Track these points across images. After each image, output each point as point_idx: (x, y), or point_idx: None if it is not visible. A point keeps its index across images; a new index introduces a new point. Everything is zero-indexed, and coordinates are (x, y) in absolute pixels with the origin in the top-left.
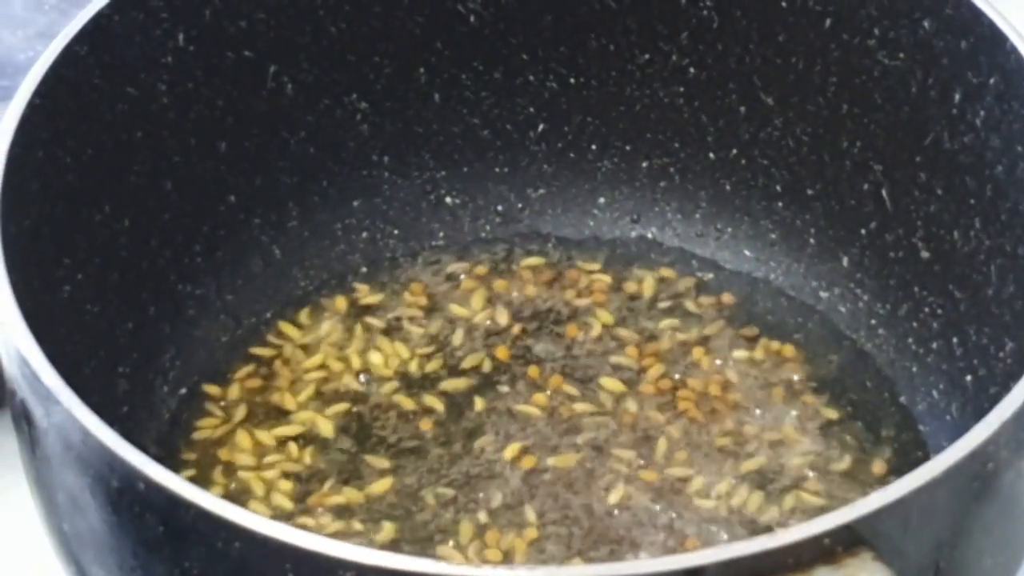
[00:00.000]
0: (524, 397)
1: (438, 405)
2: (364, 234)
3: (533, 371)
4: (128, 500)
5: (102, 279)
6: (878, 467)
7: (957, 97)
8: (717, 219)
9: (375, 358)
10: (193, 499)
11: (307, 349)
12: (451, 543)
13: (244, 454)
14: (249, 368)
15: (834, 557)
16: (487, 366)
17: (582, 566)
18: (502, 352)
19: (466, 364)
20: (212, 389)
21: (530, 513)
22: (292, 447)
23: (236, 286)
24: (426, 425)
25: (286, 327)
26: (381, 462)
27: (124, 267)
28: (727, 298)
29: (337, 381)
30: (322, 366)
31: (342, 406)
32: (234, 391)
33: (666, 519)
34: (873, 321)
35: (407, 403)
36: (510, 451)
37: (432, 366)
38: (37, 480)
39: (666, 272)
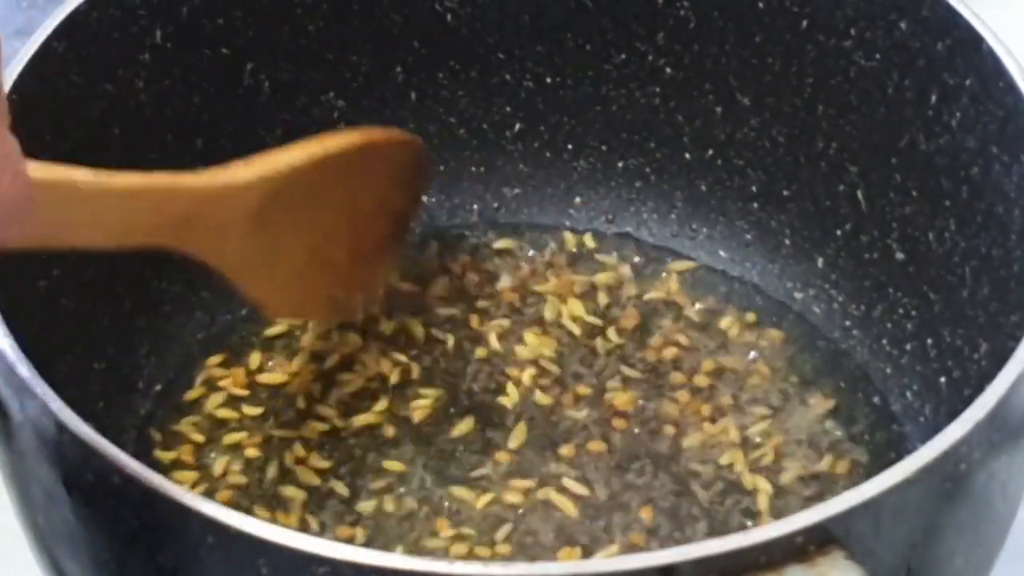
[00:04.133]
0: (496, 394)
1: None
2: None
3: (511, 372)
4: (103, 494)
5: (78, 274)
6: (851, 467)
7: (933, 98)
8: (692, 219)
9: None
10: (168, 493)
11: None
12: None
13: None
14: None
15: (806, 556)
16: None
17: (552, 562)
18: (480, 352)
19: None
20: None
21: None
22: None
23: (212, 282)
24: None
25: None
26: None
27: (100, 262)
28: (701, 298)
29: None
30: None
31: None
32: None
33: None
34: (848, 322)
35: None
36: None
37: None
38: (12, 474)
39: (640, 271)
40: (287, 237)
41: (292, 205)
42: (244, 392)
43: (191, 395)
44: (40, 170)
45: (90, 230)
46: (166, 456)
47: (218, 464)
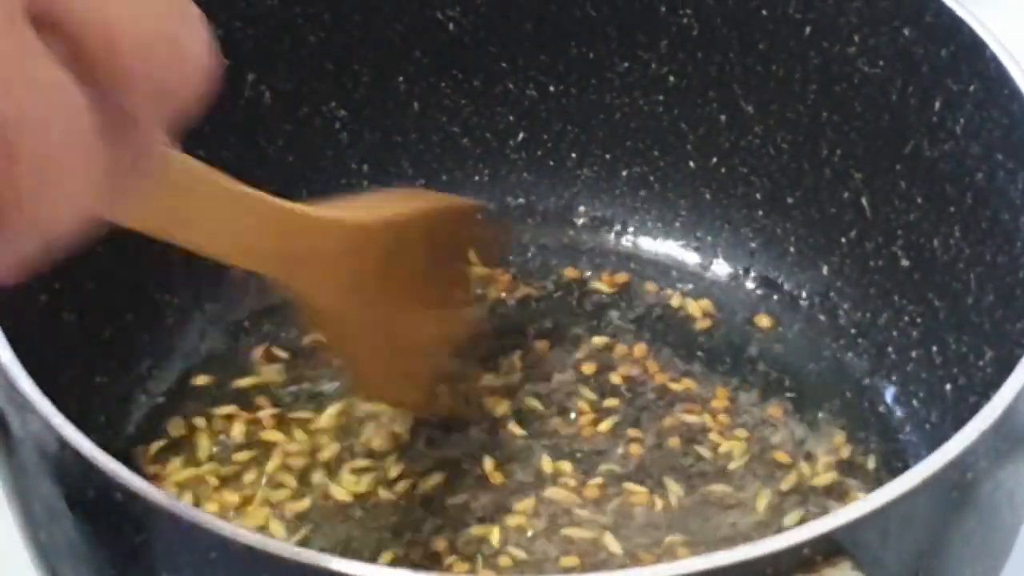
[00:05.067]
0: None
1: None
2: None
3: (507, 380)
4: (105, 510)
5: (79, 288)
6: (857, 476)
7: (937, 105)
8: (697, 227)
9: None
10: (170, 508)
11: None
12: None
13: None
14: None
15: (813, 567)
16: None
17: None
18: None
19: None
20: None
21: None
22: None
23: (215, 295)
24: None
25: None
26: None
27: (101, 275)
28: (706, 306)
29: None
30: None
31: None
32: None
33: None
34: (853, 329)
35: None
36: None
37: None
38: (13, 489)
39: (645, 280)
40: (378, 298)
41: (388, 259)
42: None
43: (194, 410)
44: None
45: (203, 232)
46: (169, 471)
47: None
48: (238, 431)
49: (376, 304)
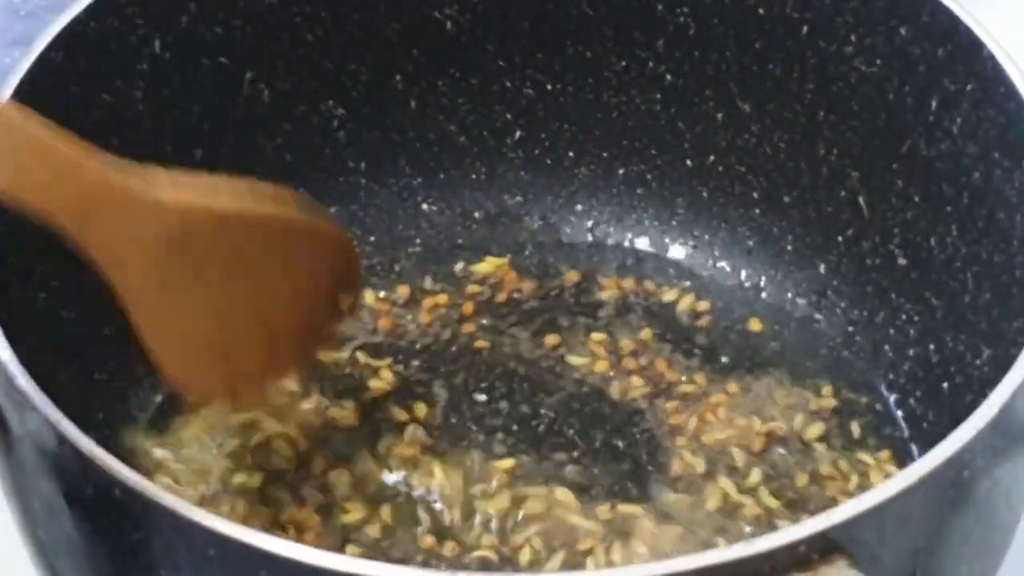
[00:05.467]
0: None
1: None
2: None
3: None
4: (103, 507)
5: (78, 286)
6: (855, 474)
7: (934, 104)
8: (694, 226)
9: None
10: (169, 505)
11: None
12: None
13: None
14: None
15: (810, 564)
16: (459, 376)
17: (554, 573)
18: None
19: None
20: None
21: None
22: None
23: None
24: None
25: None
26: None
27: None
28: (703, 305)
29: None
30: None
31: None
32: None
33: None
34: (850, 328)
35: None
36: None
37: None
38: (12, 487)
39: (643, 278)
40: (197, 288)
41: (210, 251)
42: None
43: (191, 407)
44: None
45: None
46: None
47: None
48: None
49: (194, 292)
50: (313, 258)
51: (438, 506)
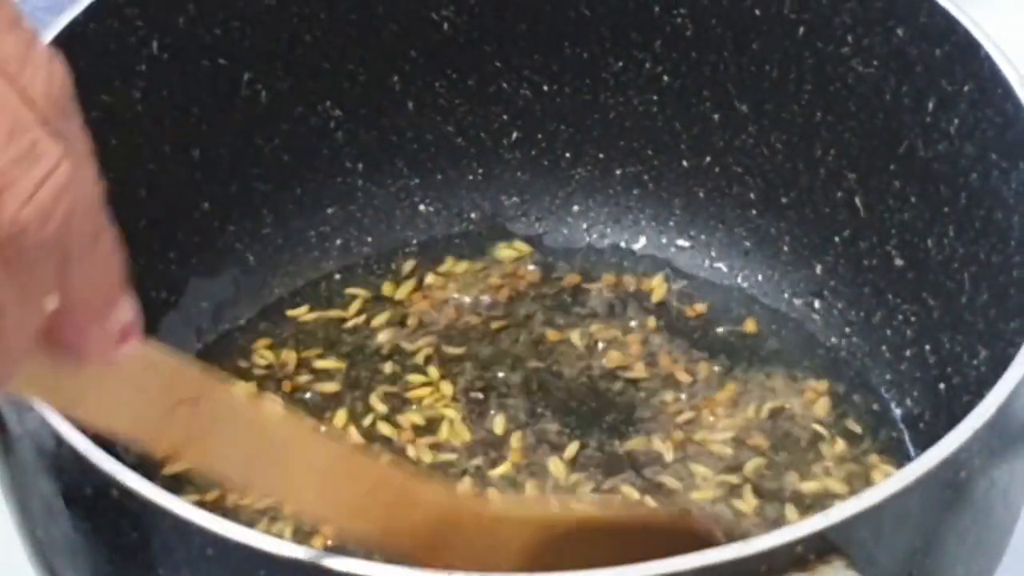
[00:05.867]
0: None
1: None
2: (338, 241)
3: (508, 377)
4: (102, 507)
5: None
6: (851, 474)
7: (931, 105)
8: (691, 227)
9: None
10: (167, 506)
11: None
12: None
13: None
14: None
15: (807, 565)
16: (463, 379)
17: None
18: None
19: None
20: None
21: None
22: None
23: (210, 293)
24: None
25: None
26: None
27: None
28: (700, 306)
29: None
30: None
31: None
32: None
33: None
34: (847, 328)
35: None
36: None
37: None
38: (11, 487)
39: (639, 279)
40: None
41: (563, 555)
42: None
43: None
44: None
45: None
46: (165, 469)
47: None
48: None
49: None
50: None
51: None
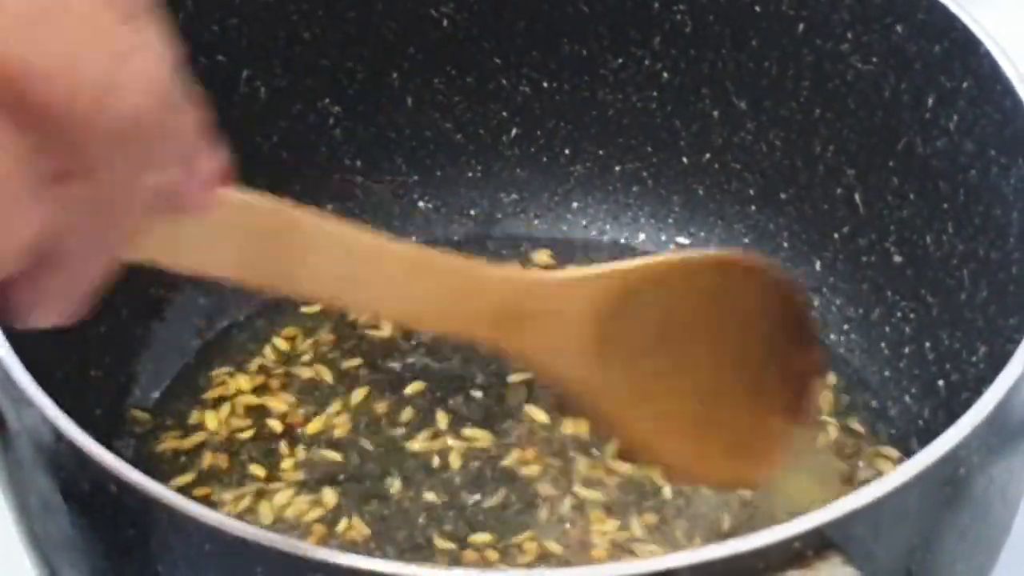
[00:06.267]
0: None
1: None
2: None
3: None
4: (100, 502)
5: None
6: (849, 471)
7: (930, 101)
8: (690, 223)
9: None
10: (165, 501)
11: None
12: None
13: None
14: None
15: (804, 561)
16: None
17: (536, 570)
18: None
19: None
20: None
21: None
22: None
23: (210, 289)
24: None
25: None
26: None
27: None
28: None
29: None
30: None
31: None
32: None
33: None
34: (846, 325)
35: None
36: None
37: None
38: (9, 482)
39: None
40: (645, 357)
41: (645, 316)
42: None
43: (188, 403)
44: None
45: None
46: (163, 465)
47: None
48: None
49: (641, 364)
50: (753, 304)
51: None
